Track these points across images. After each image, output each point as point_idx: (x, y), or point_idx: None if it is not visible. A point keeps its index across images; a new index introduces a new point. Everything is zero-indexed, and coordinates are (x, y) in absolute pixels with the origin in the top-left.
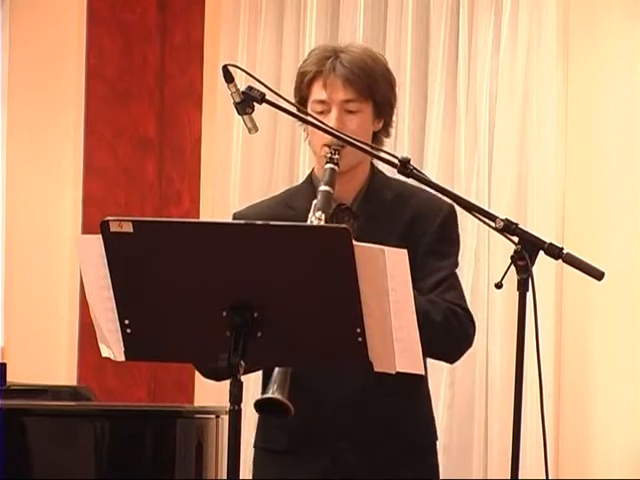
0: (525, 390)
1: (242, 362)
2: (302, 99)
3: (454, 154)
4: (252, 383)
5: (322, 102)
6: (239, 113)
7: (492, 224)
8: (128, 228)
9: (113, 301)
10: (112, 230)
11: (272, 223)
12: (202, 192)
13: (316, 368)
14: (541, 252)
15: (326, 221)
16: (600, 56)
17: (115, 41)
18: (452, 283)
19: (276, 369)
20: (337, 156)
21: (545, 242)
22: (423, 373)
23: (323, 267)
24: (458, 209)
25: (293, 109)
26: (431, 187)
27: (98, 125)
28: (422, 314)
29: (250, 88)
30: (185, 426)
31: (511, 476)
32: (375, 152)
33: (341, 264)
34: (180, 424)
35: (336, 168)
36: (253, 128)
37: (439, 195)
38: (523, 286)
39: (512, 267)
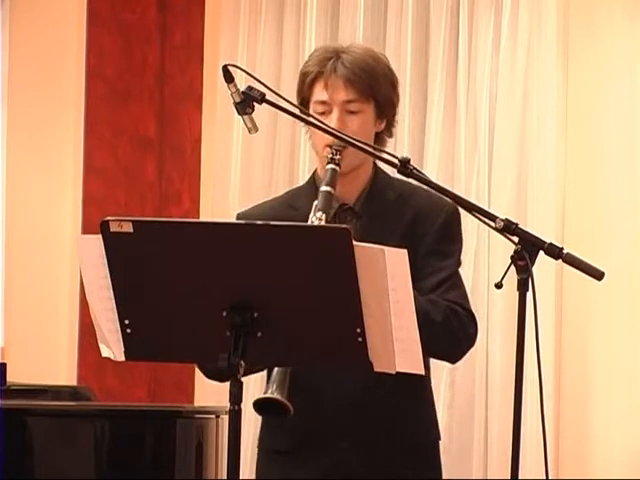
0: (525, 390)
1: (242, 362)
2: (304, 100)
3: (454, 154)
4: (252, 383)
5: (323, 103)
6: (239, 113)
7: (492, 224)
8: (128, 228)
9: (113, 301)
10: (112, 230)
11: (272, 223)
12: (202, 192)
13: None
14: (541, 252)
15: (327, 221)
16: (600, 56)
17: (115, 41)
18: (454, 283)
19: (275, 369)
20: (338, 156)
21: (545, 242)
22: (423, 373)
23: (323, 267)
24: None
25: (293, 109)
26: (431, 187)
27: (98, 125)
28: (422, 314)
29: (250, 88)
30: (185, 426)
31: (511, 476)
32: (375, 152)
33: (341, 264)
34: (180, 424)
35: (337, 168)
36: (253, 128)
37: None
38: (523, 286)
39: (512, 267)
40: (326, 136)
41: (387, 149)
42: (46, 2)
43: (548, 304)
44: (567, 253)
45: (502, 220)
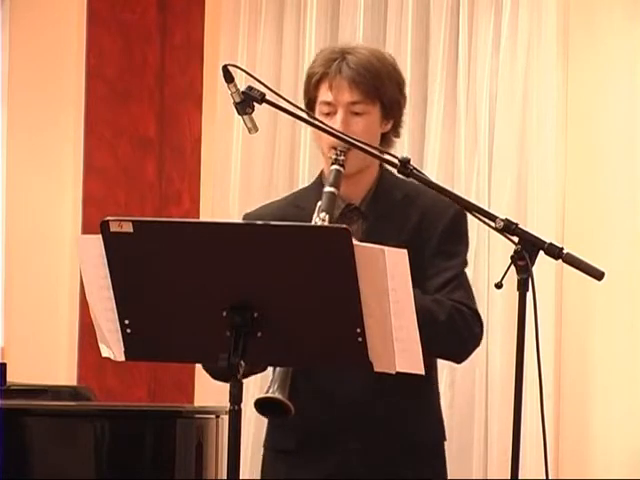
0: (525, 390)
1: (242, 362)
2: (310, 100)
3: (454, 154)
4: (252, 383)
5: (329, 104)
6: (239, 113)
7: (492, 224)
8: (128, 228)
9: (113, 301)
10: (112, 230)
11: (272, 223)
12: (202, 192)
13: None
14: (541, 252)
15: (331, 222)
16: (600, 56)
17: (115, 41)
18: (460, 283)
19: (277, 368)
20: (343, 158)
21: (545, 242)
22: (423, 373)
23: (323, 267)
24: None
25: (293, 109)
26: (431, 187)
27: (98, 125)
28: (427, 313)
29: (250, 88)
30: (185, 426)
31: (511, 476)
32: (375, 152)
33: (341, 264)
34: (180, 424)
35: (342, 169)
36: (253, 128)
37: None
38: (523, 286)
39: (512, 267)
40: (331, 137)
41: (387, 149)
42: (46, 2)
43: (548, 304)
44: (567, 253)
45: (502, 220)
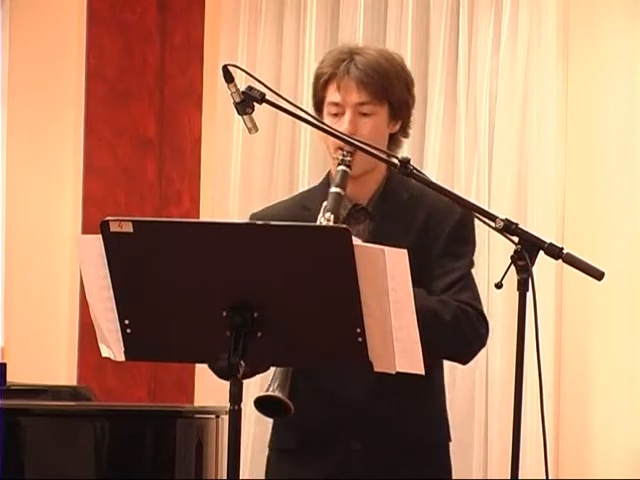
0: (525, 390)
1: (242, 362)
2: (318, 101)
3: (454, 154)
4: (252, 383)
5: (336, 104)
6: (239, 113)
7: (492, 224)
8: (128, 228)
9: (113, 301)
10: (112, 230)
11: (272, 223)
12: (202, 192)
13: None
14: (541, 252)
15: (336, 222)
16: (600, 56)
17: (115, 41)
18: (466, 284)
19: (277, 367)
20: (349, 158)
21: (545, 242)
22: (423, 373)
23: (323, 267)
24: None
25: (293, 109)
26: (431, 187)
27: (98, 125)
28: (432, 314)
29: (250, 88)
30: (185, 426)
31: (511, 476)
32: (375, 153)
33: (341, 264)
34: (180, 424)
35: (348, 170)
36: (253, 128)
37: None
38: (523, 286)
39: (512, 267)
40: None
41: (395, 149)
42: (46, 2)
43: (548, 304)
44: (567, 253)
45: (502, 220)
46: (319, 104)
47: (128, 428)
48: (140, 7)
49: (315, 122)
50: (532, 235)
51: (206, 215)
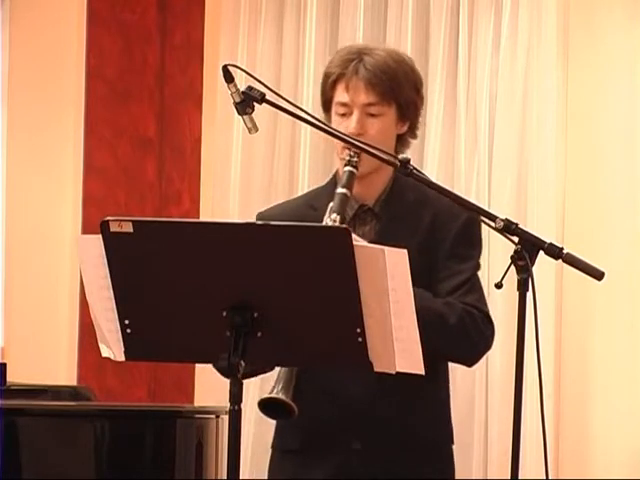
0: (525, 390)
1: (242, 362)
2: (326, 101)
3: (454, 154)
4: (252, 383)
5: (344, 105)
6: (239, 113)
7: (492, 224)
8: (128, 228)
9: (113, 301)
10: (112, 230)
11: (272, 223)
12: (202, 192)
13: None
14: (541, 252)
15: (342, 223)
16: (600, 56)
17: (115, 41)
18: (472, 286)
19: (281, 369)
20: (356, 159)
21: (545, 242)
22: (423, 373)
23: (323, 267)
24: None
25: (293, 109)
26: (431, 187)
27: (98, 125)
28: (437, 316)
29: (250, 88)
30: (185, 426)
31: (511, 476)
32: (375, 152)
33: (341, 264)
34: (180, 424)
35: (355, 171)
36: (253, 128)
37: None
38: (523, 286)
39: (512, 267)
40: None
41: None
42: (46, 2)
43: (548, 304)
44: (567, 253)
45: (502, 220)
46: (327, 104)
47: (128, 428)
48: (140, 7)
49: (315, 122)
50: (532, 235)
51: (206, 215)
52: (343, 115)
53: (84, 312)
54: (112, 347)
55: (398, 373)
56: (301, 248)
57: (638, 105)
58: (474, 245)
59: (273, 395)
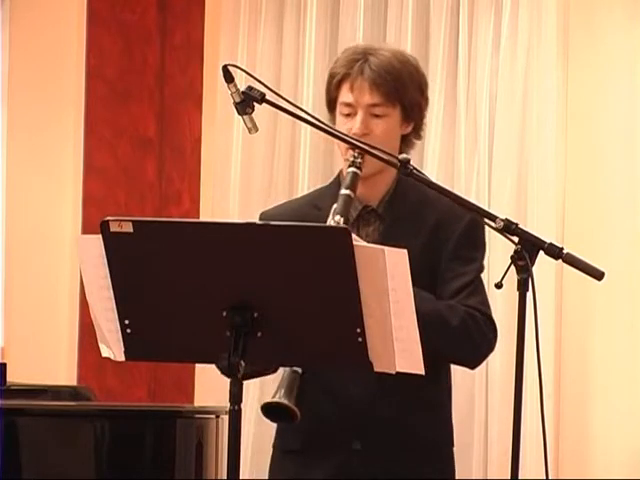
0: (525, 390)
1: (242, 362)
2: (331, 101)
3: (454, 154)
4: (252, 384)
5: (349, 105)
6: (239, 113)
7: (492, 224)
8: (128, 228)
9: (113, 301)
10: (112, 230)
11: (272, 223)
12: (202, 192)
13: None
14: (541, 252)
15: (346, 224)
16: (600, 56)
17: (115, 41)
18: (475, 288)
19: (285, 373)
20: (360, 160)
21: (545, 242)
22: (423, 373)
23: (323, 267)
24: None
25: (293, 109)
26: (431, 187)
27: (98, 125)
28: (440, 319)
29: (250, 88)
30: (185, 426)
31: (511, 476)
32: (376, 153)
33: (341, 264)
34: (180, 424)
35: (358, 172)
36: (253, 128)
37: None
38: (523, 286)
39: (512, 267)
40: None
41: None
42: (46, 2)
43: (548, 304)
44: (567, 253)
45: (502, 220)
46: (332, 103)
47: (128, 428)
48: (140, 7)
49: (315, 122)
50: (532, 235)
51: (206, 215)
52: (347, 115)
53: (84, 312)
54: (112, 347)
55: (398, 373)
56: (301, 248)
57: (638, 105)
58: (477, 247)
59: (276, 400)
